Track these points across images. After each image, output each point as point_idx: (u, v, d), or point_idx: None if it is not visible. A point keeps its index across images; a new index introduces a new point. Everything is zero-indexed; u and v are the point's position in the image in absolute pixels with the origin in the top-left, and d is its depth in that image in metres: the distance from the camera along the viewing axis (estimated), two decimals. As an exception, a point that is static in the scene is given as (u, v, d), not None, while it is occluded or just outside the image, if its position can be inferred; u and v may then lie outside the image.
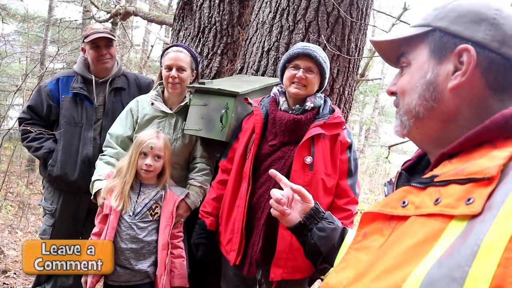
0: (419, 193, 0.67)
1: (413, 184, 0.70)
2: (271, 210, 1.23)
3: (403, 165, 0.89)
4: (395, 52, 0.86)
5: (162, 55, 2.37)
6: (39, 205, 2.75)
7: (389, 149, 5.53)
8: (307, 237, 1.19)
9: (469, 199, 0.57)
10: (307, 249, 1.21)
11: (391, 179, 0.89)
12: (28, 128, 2.53)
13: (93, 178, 2.22)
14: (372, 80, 7.48)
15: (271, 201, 1.22)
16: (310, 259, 1.21)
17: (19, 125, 2.63)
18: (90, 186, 2.22)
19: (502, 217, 0.51)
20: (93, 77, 2.58)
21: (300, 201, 1.23)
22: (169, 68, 2.25)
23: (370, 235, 0.74)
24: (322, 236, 1.16)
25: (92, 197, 2.21)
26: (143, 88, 2.71)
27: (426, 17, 0.79)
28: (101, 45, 2.54)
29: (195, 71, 2.38)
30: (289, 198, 1.22)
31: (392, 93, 0.85)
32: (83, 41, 2.58)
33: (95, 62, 2.57)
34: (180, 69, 2.26)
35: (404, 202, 0.68)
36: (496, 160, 0.59)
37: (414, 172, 0.86)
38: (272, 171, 1.31)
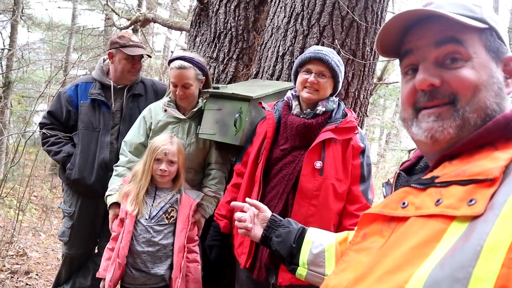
0: (419, 194, 0.67)
1: (413, 185, 0.70)
2: (238, 230, 1.37)
3: (401, 165, 0.88)
4: (398, 37, 0.79)
5: (169, 64, 2.36)
6: (59, 208, 2.82)
7: (409, 153, 5.44)
8: (270, 246, 1.30)
9: (471, 200, 0.57)
10: (275, 256, 1.34)
11: (389, 179, 0.88)
12: (46, 131, 2.61)
13: (106, 193, 2.28)
14: (391, 83, 7.39)
15: (236, 223, 1.37)
16: (283, 264, 1.30)
17: (40, 130, 2.72)
18: (105, 199, 2.28)
19: (504, 217, 0.51)
20: (112, 83, 2.63)
21: (258, 213, 1.37)
22: (175, 85, 2.27)
23: (370, 236, 0.74)
24: (279, 241, 1.26)
25: (108, 207, 2.26)
26: (160, 93, 2.75)
27: (474, 9, 0.74)
28: (136, 58, 2.62)
29: (204, 78, 2.36)
30: (251, 216, 1.36)
31: (431, 85, 0.73)
32: (117, 48, 2.60)
33: (125, 73, 2.62)
34: (185, 86, 2.26)
35: (404, 203, 0.68)
36: (498, 161, 0.59)
37: (412, 173, 0.85)
38: (248, 200, 1.44)
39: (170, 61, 2.33)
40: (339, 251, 1.15)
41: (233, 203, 1.46)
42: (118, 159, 2.43)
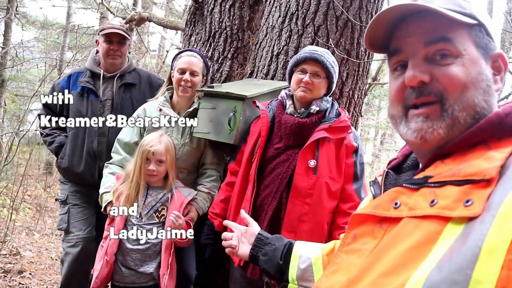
0: (412, 194, 0.66)
1: (405, 185, 0.68)
2: (226, 249, 1.33)
3: (388, 164, 0.86)
4: (387, 32, 0.77)
5: (174, 58, 2.40)
6: (57, 200, 2.88)
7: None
8: (259, 265, 1.25)
9: (467, 201, 0.56)
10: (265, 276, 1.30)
11: (375, 178, 0.86)
12: (44, 130, 2.70)
13: (100, 191, 2.27)
14: (386, 84, 7.41)
15: (223, 242, 1.33)
16: (274, 281, 1.24)
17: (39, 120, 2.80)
18: (99, 199, 2.27)
19: (502, 218, 0.50)
20: (102, 71, 2.67)
21: (247, 230, 1.31)
22: (182, 72, 2.28)
23: (361, 237, 0.72)
24: (266, 260, 1.20)
25: (102, 209, 2.25)
26: (154, 87, 2.75)
27: (463, 4, 0.72)
28: (114, 40, 2.65)
29: (205, 77, 2.42)
30: (238, 236, 1.31)
31: (421, 82, 0.71)
32: (99, 34, 2.71)
33: (105, 56, 2.67)
34: (193, 73, 2.29)
35: (396, 204, 0.67)
36: (494, 161, 0.58)
37: (400, 172, 0.84)
38: (242, 212, 1.41)
39: (178, 53, 2.40)
40: (327, 262, 1.10)
41: (225, 221, 1.43)
42: (108, 149, 2.45)
